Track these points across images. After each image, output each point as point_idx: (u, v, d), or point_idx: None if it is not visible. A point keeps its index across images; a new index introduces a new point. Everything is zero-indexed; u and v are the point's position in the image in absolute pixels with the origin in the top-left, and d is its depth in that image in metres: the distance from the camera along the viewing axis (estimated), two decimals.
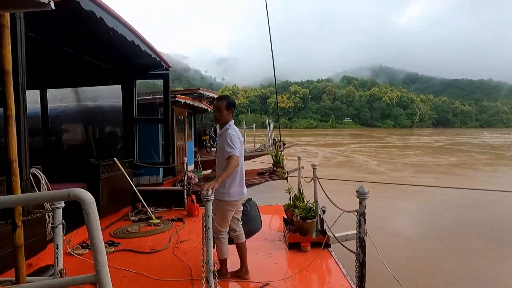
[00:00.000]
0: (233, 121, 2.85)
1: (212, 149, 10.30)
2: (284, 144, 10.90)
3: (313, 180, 3.96)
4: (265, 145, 12.22)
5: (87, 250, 3.75)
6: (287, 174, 7.42)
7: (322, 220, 3.79)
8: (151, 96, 5.85)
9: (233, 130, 2.72)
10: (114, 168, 4.80)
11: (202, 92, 7.42)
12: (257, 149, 11.66)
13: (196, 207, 5.21)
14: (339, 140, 40.52)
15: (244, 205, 3.02)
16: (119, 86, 5.49)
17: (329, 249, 3.53)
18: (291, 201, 4.16)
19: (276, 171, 7.32)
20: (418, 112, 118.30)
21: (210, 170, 8.42)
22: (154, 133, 5.87)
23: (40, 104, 5.58)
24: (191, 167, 8.30)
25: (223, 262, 2.86)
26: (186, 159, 5.67)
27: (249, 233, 3.07)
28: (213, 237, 2.50)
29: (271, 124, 11.54)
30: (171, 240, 4.02)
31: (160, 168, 6.31)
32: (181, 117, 7.73)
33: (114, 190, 4.92)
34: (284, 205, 4.17)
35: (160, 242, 4.04)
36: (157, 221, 4.88)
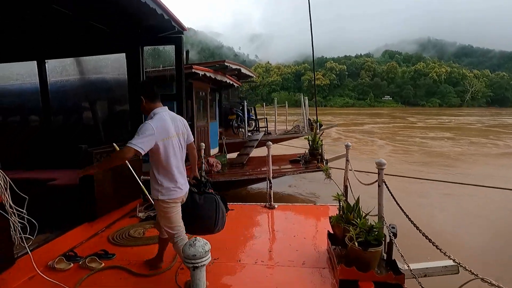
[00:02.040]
0: (161, 107, 2.46)
1: (240, 130, 9.21)
2: (321, 126, 9.48)
3: (377, 185, 2.67)
4: (299, 127, 10.86)
5: (72, 264, 2.91)
6: (327, 162, 6.13)
7: (391, 246, 2.54)
8: (162, 67, 4.77)
9: (152, 120, 2.33)
10: None
11: (226, 64, 6.21)
12: (289, 131, 10.35)
13: None
14: (361, 120, 37.24)
15: (189, 199, 2.64)
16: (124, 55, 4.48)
17: None
18: (341, 211, 2.94)
19: (314, 159, 6.06)
20: (470, 89, 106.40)
21: (237, 154, 7.38)
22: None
23: (38, 77, 4.79)
24: (214, 150, 7.31)
25: None
26: (203, 144, 4.60)
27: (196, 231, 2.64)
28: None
29: (306, 102, 10.08)
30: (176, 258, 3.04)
31: None
32: (202, 93, 6.64)
33: (116, 182, 4.04)
34: (330, 218, 2.96)
35: (167, 254, 3.09)
36: None
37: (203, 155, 4.63)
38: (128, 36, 4.40)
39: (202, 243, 1.44)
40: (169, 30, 4.37)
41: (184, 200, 2.58)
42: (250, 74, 9.16)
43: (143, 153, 2.18)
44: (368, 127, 28.61)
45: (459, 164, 11.64)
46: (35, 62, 4.80)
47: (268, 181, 4.38)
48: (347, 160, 4.05)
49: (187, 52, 7.56)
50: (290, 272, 2.71)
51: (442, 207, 6.73)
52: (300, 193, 7.59)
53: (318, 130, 8.31)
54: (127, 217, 4.28)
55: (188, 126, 2.72)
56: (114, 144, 3.89)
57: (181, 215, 2.49)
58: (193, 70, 5.07)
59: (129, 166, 3.93)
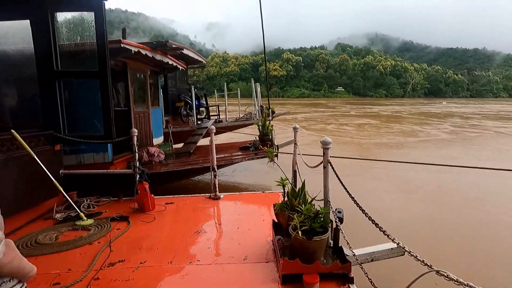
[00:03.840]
0: None
1: (190, 118, 8.58)
2: (273, 113, 9.26)
3: (323, 166, 2.40)
4: (251, 114, 10.54)
5: None
6: (277, 149, 5.88)
7: (337, 233, 2.30)
8: (81, 42, 3.98)
9: None
10: (16, 146, 3.13)
11: (165, 42, 5.54)
12: (240, 118, 9.97)
13: (149, 199, 3.66)
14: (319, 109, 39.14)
15: None
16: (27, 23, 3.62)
17: (350, 285, 2.07)
18: (286, 197, 2.64)
19: (264, 146, 5.77)
20: (411, 81, 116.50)
21: (183, 144, 6.80)
22: (94, 94, 4.09)
23: None
24: (158, 140, 6.65)
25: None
26: (135, 130, 3.99)
27: None
28: None
29: (258, 89, 9.76)
30: (95, 261, 2.50)
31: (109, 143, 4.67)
32: (140, 75, 5.91)
33: (22, 176, 3.28)
34: (274, 206, 2.64)
35: (81, 262, 2.53)
36: (89, 221, 3.34)
37: (136, 143, 4.01)
38: None
39: None
40: None
41: None
42: (198, 58, 8.53)
43: None
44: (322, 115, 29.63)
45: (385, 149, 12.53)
46: None
47: (212, 170, 3.96)
48: (295, 144, 3.79)
49: (124, 30, 6.68)
50: (228, 270, 2.35)
51: (387, 188, 6.97)
52: (249, 183, 7.31)
53: (270, 117, 8.06)
54: (41, 219, 3.56)
55: None
56: (13, 131, 3.15)
57: None
58: (122, 45, 4.34)
59: (36, 158, 3.22)
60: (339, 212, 2.33)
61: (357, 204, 2.15)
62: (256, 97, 9.05)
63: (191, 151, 6.21)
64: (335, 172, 2.29)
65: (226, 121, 9.07)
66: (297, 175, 3.90)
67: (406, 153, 11.38)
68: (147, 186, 3.65)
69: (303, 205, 2.34)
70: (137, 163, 3.99)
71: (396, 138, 15.12)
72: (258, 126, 5.98)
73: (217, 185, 3.99)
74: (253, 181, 7.45)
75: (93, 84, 3.96)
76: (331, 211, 2.37)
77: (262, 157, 5.42)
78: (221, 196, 4.03)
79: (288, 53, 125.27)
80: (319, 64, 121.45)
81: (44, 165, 3.42)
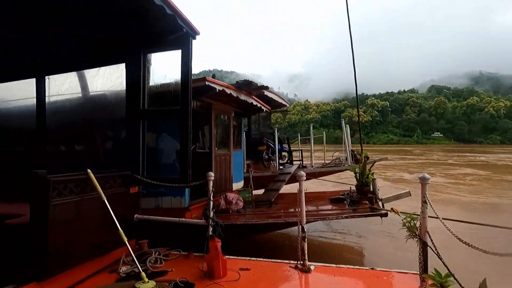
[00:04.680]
0: None
1: (272, 162, 7.98)
2: (367, 158, 7.88)
3: None
4: (339, 159, 9.31)
5: None
6: (382, 204, 4.54)
7: None
8: (169, 82, 3.89)
9: None
10: (87, 187, 2.90)
11: (250, 82, 5.25)
12: (328, 163, 8.82)
13: (221, 262, 2.90)
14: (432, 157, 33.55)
15: None
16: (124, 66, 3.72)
17: None
18: None
19: (364, 199, 4.53)
20: None
21: (263, 190, 6.08)
22: (175, 135, 3.84)
23: (35, 96, 4.23)
24: (238, 184, 6.13)
25: None
26: (212, 174, 3.45)
27: None
28: None
29: (348, 130, 8.62)
30: None
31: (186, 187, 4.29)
32: (224, 117, 5.69)
33: (94, 221, 3.00)
34: None
35: None
36: (149, 285, 2.73)
37: (211, 189, 3.44)
38: (128, 42, 3.67)
39: None
40: (176, 33, 3.55)
41: None
42: (281, 101, 8.19)
43: None
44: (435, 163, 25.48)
45: None
46: (34, 79, 4.29)
47: (300, 229, 3.01)
48: (424, 202, 2.57)
49: (213, 75, 6.85)
50: None
51: None
52: (347, 243, 5.90)
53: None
54: (106, 271, 3.15)
55: None
56: (89, 171, 2.95)
57: None
58: (206, 83, 4.13)
59: (106, 202, 2.91)
60: None
61: None
62: (346, 137, 7.89)
63: (272, 199, 5.41)
64: None
65: (312, 166, 8.09)
66: (427, 249, 2.58)
67: None
68: (219, 244, 2.92)
69: None
70: (212, 213, 3.37)
71: None
72: (355, 173, 4.85)
73: (306, 251, 2.99)
74: (353, 242, 6.00)
75: (174, 125, 3.72)
76: None
77: (365, 215, 4.16)
78: (312, 268, 2.97)
79: (373, 98, 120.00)
80: (410, 108, 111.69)
81: (119, 208, 3.11)
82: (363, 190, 4.63)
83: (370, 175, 4.67)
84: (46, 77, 4.28)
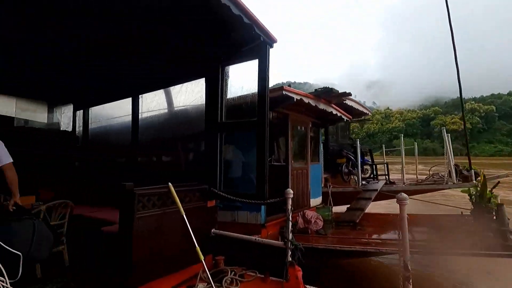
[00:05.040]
0: None
1: (352, 176, 7.22)
2: (477, 175, 6.37)
3: None
4: (439, 175, 7.78)
5: None
6: None
7: None
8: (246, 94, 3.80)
9: None
10: (168, 200, 2.93)
11: (331, 89, 4.82)
12: (424, 180, 7.46)
13: None
14: None
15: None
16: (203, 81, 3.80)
17: None
18: None
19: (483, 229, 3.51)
20: None
21: (346, 208, 5.44)
22: (252, 148, 3.71)
23: (131, 112, 4.70)
24: (316, 201, 5.65)
25: None
26: (291, 192, 3.14)
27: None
28: None
29: (449, 139, 7.11)
30: None
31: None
32: (301, 128, 5.36)
33: (173, 235, 3.02)
34: None
35: None
36: None
37: (290, 208, 3.13)
38: (207, 57, 3.73)
39: None
40: (253, 42, 3.44)
41: None
42: (362, 110, 7.43)
43: None
44: None
45: None
46: (130, 98, 4.79)
47: (403, 266, 2.40)
48: None
49: (289, 85, 6.64)
50: None
51: None
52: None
53: (476, 179, 5.50)
54: (184, 285, 3.12)
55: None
56: (170, 184, 2.99)
57: None
58: (284, 92, 3.89)
59: (184, 217, 2.88)
60: None
61: None
62: (448, 147, 6.49)
63: (357, 220, 4.76)
64: None
65: (403, 183, 6.97)
66: None
67: None
68: (300, 274, 2.57)
69: None
70: (290, 234, 3.04)
71: None
72: (469, 193, 3.84)
73: None
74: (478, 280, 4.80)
75: (251, 138, 3.58)
76: None
77: (497, 255, 3.16)
78: None
79: (472, 102, 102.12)
80: None
81: (197, 222, 3.09)
82: (484, 217, 3.60)
83: (492, 198, 3.61)
84: (140, 95, 4.74)
